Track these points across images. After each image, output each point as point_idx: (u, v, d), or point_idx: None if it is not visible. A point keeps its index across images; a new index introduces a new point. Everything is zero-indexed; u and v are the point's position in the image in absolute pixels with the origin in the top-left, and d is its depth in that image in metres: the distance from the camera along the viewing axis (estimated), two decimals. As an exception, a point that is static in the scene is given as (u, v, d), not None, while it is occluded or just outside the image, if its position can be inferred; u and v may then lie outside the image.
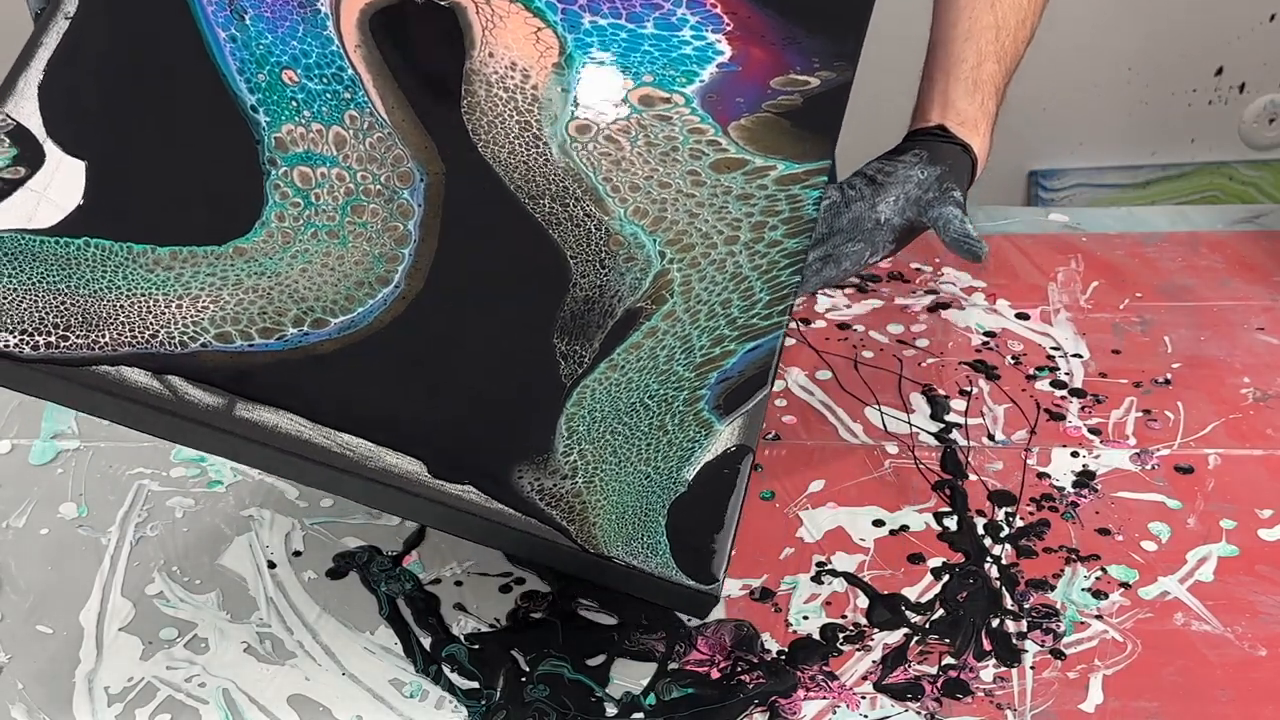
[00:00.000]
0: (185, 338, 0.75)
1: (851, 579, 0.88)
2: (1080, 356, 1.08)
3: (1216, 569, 0.88)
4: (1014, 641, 0.83)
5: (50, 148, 0.77)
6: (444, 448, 0.76)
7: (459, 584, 0.88)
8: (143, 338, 0.74)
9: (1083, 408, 1.03)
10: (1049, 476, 0.96)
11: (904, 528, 0.92)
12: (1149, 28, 1.85)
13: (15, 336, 0.73)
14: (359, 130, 0.81)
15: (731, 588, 0.86)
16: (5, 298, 0.73)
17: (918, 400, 1.04)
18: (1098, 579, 0.88)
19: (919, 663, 0.82)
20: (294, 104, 0.80)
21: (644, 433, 0.78)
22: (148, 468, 0.97)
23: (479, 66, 0.83)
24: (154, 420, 0.75)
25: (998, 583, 0.87)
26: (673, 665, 0.82)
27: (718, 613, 0.84)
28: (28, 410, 1.01)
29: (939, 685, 0.81)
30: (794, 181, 0.84)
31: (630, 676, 0.82)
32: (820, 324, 1.13)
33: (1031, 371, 1.07)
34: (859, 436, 1.00)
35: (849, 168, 0.97)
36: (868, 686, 0.81)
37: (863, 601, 0.86)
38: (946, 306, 1.15)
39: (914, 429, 1.01)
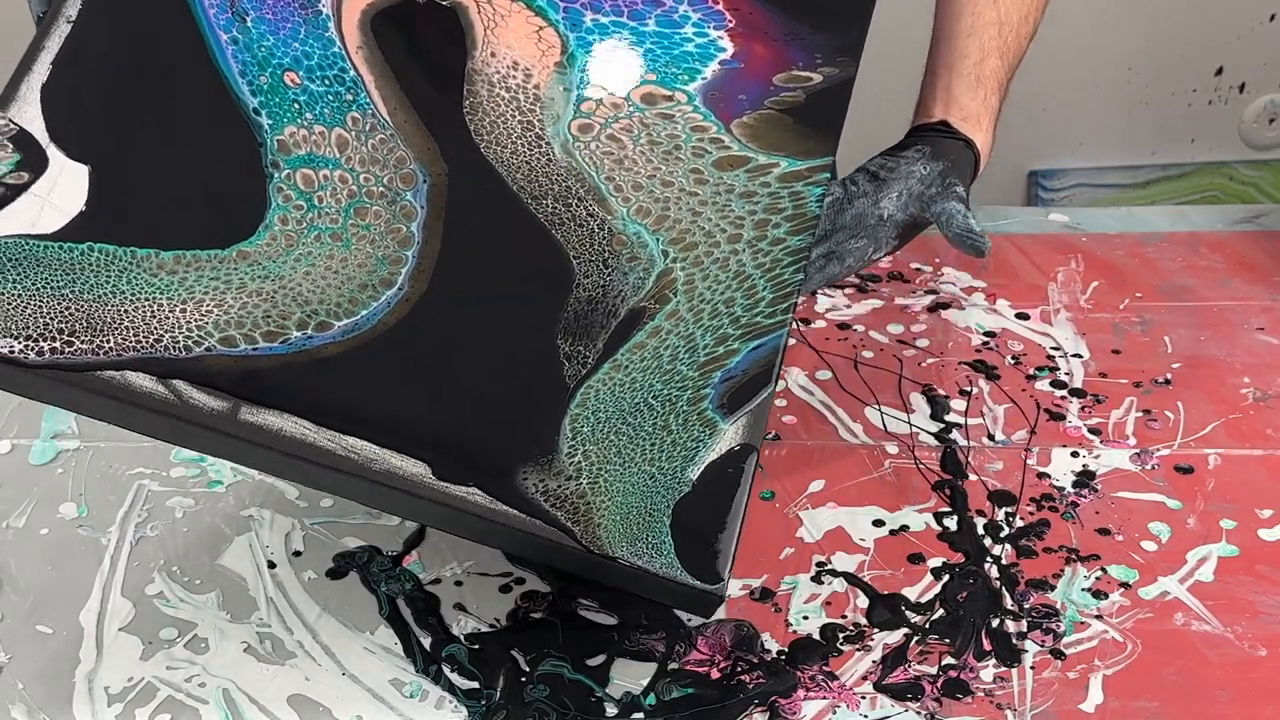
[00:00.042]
0: (190, 342, 0.75)
1: (851, 579, 0.88)
2: (1080, 356, 1.08)
3: (1216, 569, 0.88)
4: (1014, 641, 0.83)
5: (53, 152, 0.77)
6: (448, 450, 0.76)
7: (459, 584, 0.88)
8: (147, 342, 0.74)
9: (1083, 408, 1.03)
10: (1049, 476, 0.96)
11: (904, 528, 0.92)
12: (1149, 28, 1.85)
13: (20, 342, 0.73)
14: (361, 132, 0.81)
15: (731, 588, 0.86)
16: (10, 303, 0.73)
17: (918, 400, 1.04)
18: (1098, 579, 0.88)
19: (919, 663, 0.82)
20: (296, 106, 0.80)
21: (648, 433, 0.78)
22: (148, 468, 0.97)
23: (481, 66, 0.83)
24: (159, 425, 0.75)
25: (998, 583, 0.87)
26: (673, 665, 0.82)
27: (718, 613, 0.83)
28: (28, 410, 1.01)
29: (939, 685, 0.81)
30: (797, 178, 0.84)
31: (630, 676, 0.82)
32: (820, 324, 1.13)
33: (1031, 371, 1.07)
34: (859, 436, 1.00)
35: (847, 170, 0.96)
36: (868, 686, 0.81)
37: (863, 601, 0.86)
38: (946, 306, 1.15)
39: (914, 429, 1.01)
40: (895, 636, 0.84)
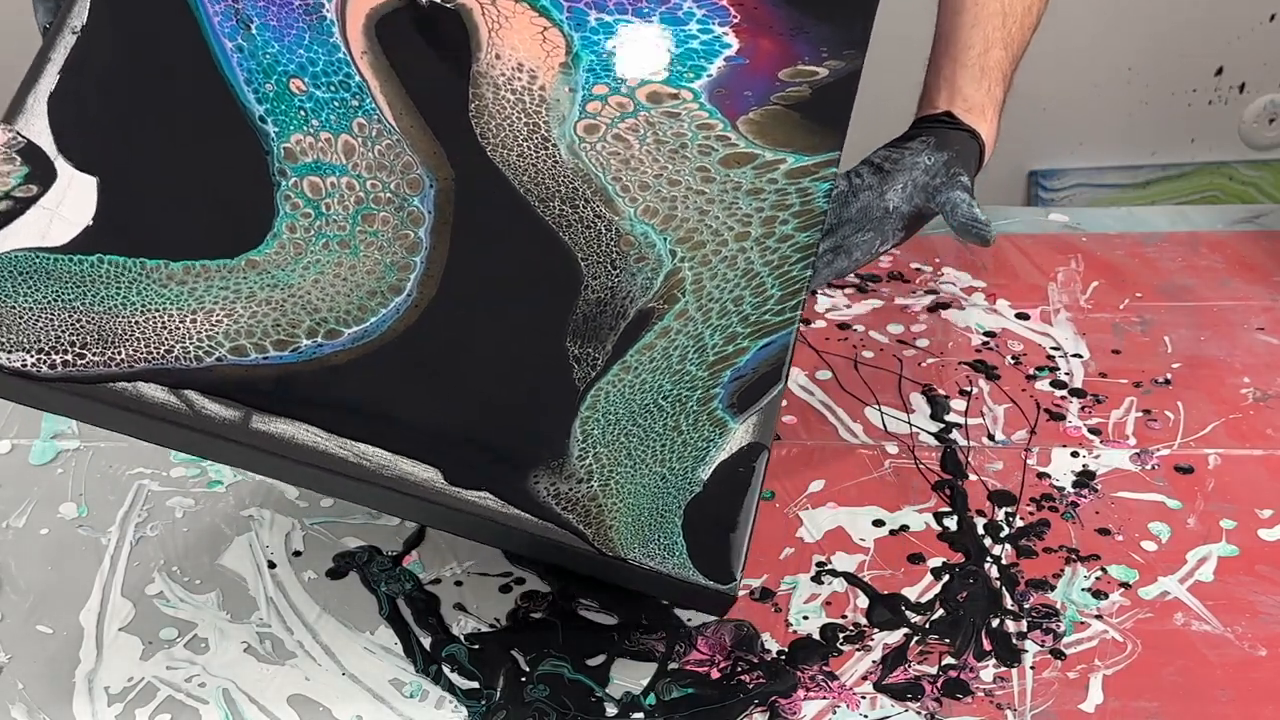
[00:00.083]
0: (200, 352, 0.75)
1: (851, 579, 0.88)
2: (1080, 356, 1.08)
3: (1216, 569, 0.88)
4: (1014, 641, 0.83)
5: (61, 164, 0.77)
6: (459, 454, 0.76)
7: (459, 584, 0.88)
8: (158, 353, 0.74)
9: (1083, 408, 1.03)
10: (1049, 476, 0.96)
11: (904, 528, 0.92)
12: (1149, 28, 1.85)
13: (33, 356, 0.73)
14: (367, 138, 0.81)
15: (732, 588, 0.86)
16: (22, 317, 0.73)
17: (918, 400, 1.04)
18: (1098, 579, 0.88)
19: (919, 663, 0.82)
20: (302, 113, 0.80)
21: (658, 434, 0.78)
22: (148, 468, 0.97)
23: (486, 69, 0.83)
24: (172, 435, 0.75)
25: (998, 583, 0.87)
26: (673, 665, 0.82)
27: (718, 613, 0.84)
28: (28, 410, 1.01)
29: (939, 685, 0.81)
30: (804, 174, 0.84)
31: (630, 676, 0.82)
32: (820, 324, 1.13)
33: (1031, 371, 1.07)
34: (859, 436, 1.00)
35: (850, 165, 0.96)
36: (868, 686, 0.81)
37: (863, 601, 0.86)
38: (946, 306, 1.15)
39: (914, 429, 1.01)
40: (895, 636, 0.84)
